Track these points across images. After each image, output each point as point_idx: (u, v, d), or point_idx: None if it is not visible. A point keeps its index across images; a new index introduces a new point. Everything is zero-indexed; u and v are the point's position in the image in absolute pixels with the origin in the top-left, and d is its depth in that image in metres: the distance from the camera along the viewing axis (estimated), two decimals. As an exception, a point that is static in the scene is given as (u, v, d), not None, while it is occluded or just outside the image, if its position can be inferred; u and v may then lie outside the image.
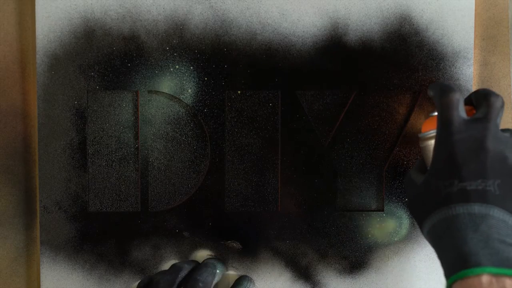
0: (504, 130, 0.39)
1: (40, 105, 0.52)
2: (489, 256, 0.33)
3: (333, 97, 0.53)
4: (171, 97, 0.53)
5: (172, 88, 0.52)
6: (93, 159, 0.53)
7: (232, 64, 0.52)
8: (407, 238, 0.53)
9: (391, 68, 0.52)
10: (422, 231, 0.40)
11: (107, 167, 0.53)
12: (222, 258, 0.53)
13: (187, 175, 0.53)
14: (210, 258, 0.53)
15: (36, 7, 0.52)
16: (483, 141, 0.37)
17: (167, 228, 0.53)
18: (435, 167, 0.38)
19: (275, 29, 0.52)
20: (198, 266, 0.49)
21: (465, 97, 0.43)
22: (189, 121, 0.53)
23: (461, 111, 0.39)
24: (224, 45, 0.52)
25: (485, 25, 0.53)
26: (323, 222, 0.53)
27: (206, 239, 0.53)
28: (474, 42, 0.53)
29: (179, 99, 0.52)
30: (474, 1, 0.52)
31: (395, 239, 0.53)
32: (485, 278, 0.32)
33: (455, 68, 0.52)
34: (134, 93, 0.53)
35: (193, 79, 0.52)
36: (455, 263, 0.34)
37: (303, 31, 0.52)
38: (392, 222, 0.53)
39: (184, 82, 0.52)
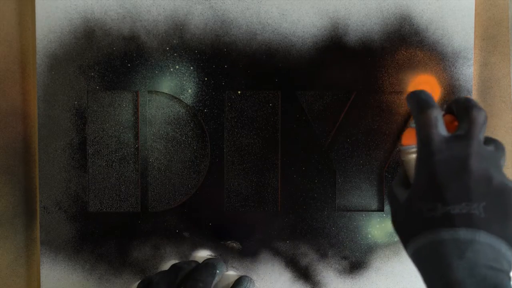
0: (487, 142, 0.38)
1: (40, 105, 0.52)
2: (476, 285, 0.32)
3: (333, 97, 0.53)
4: (171, 97, 0.53)
5: (172, 88, 0.52)
6: (93, 159, 0.53)
7: (232, 64, 0.52)
8: (407, 238, 0.53)
9: (391, 68, 0.52)
10: (405, 250, 0.38)
11: (107, 167, 0.53)
12: (222, 258, 0.53)
13: (187, 175, 0.53)
14: (210, 258, 0.53)
15: (36, 7, 0.51)
16: (466, 161, 0.35)
17: (167, 228, 0.53)
18: (418, 188, 0.37)
19: (275, 29, 0.52)
20: (198, 266, 0.49)
21: (446, 106, 0.41)
22: (189, 121, 0.53)
23: (441, 128, 0.36)
24: (224, 45, 0.52)
25: (485, 25, 0.53)
26: (323, 222, 0.53)
27: (206, 239, 0.53)
28: (474, 42, 0.53)
29: (179, 99, 0.52)
30: (474, 1, 0.52)
31: (395, 239, 0.53)
32: None
33: (455, 68, 0.52)
34: (134, 93, 0.53)
35: (193, 79, 0.52)
36: None
37: (303, 31, 0.52)
38: (392, 222, 0.53)
39: (184, 82, 0.52)
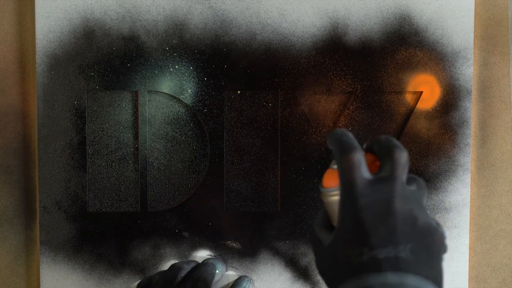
0: (409, 181, 0.37)
1: (40, 105, 0.52)
2: None
3: (333, 97, 0.53)
4: (171, 97, 0.53)
5: (172, 88, 0.52)
6: (92, 159, 0.53)
7: (232, 64, 0.52)
8: (407, 238, 0.53)
9: (391, 69, 0.52)
10: None
11: (106, 167, 0.53)
12: (222, 258, 0.53)
13: (187, 175, 0.53)
14: (209, 258, 0.53)
15: (36, 7, 0.52)
16: (390, 204, 0.34)
17: (167, 228, 0.53)
18: (343, 233, 0.36)
19: (275, 29, 0.52)
20: (197, 266, 0.49)
21: (367, 145, 0.41)
22: (189, 121, 0.53)
23: (364, 171, 0.36)
24: (223, 45, 0.52)
25: (484, 25, 0.53)
26: (322, 222, 0.53)
27: (206, 239, 0.53)
28: (474, 42, 0.53)
29: (179, 99, 0.52)
30: (473, 1, 0.52)
31: (395, 239, 0.53)
32: None
33: (455, 68, 0.52)
34: (134, 93, 0.53)
35: (192, 79, 0.52)
36: None
37: (303, 31, 0.52)
38: (392, 222, 0.53)
39: (184, 82, 0.52)
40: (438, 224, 0.36)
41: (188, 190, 0.53)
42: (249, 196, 0.53)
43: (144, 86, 0.52)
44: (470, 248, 0.54)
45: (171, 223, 0.53)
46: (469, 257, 0.54)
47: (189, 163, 0.53)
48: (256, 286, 0.53)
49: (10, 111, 0.53)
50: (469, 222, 0.53)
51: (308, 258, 0.53)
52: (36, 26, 0.52)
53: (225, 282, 0.53)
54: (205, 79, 0.52)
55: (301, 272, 0.53)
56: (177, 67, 0.52)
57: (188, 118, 0.53)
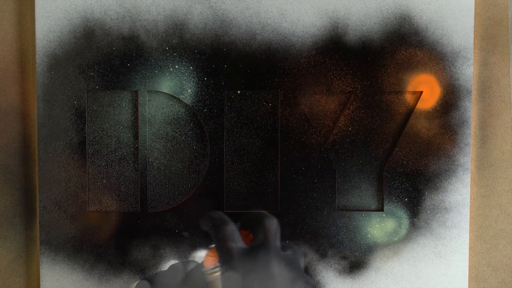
0: (284, 248, 0.38)
1: (40, 105, 0.52)
2: None
3: (333, 97, 0.53)
4: (171, 97, 0.53)
5: (172, 88, 0.52)
6: (92, 159, 0.53)
7: (232, 64, 0.52)
8: (407, 238, 0.53)
9: (391, 68, 0.52)
10: None
11: (106, 167, 0.53)
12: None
13: (187, 175, 0.53)
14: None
15: (36, 7, 0.52)
16: (268, 268, 0.35)
17: (167, 228, 0.53)
18: None
19: (275, 29, 0.52)
20: (197, 266, 0.49)
21: (239, 223, 0.41)
22: (189, 121, 0.53)
23: (239, 241, 0.37)
24: (223, 45, 0.52)
25: (484, 25, 0.53)
26: (322, 222, 0.53)
27: (206, 239, 0.53)
28: (474, 42, 0.53)
29: (179, 99, 0.52)
30: (473, 1, 0.52)
31: (395, 239, 0.53)
32: None
33: (455, 68, 0.52)
34: (134, 93, 0.53)
35: (192, 79, 0.52)
36: None
37: (303, 31, 0.52)
38: (392, 222, 0.53)
39: (184, 82, 0.52)
40: (316, 284, 0.38)
41: (188, 190, 0.53)
42: (249, 196, 0.53)
43: (144, 86, 0.52)
44: (470, 248, 0.54)
45: (171, 223, 0.53)
46: (469, 257, 0.54)
47: (189, 163, 0.53)
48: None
49: (9, 111, 0.53)
50: (469, 222, 0.53)
51: (308, 258, 0.53)
52: (36, 26, 0.52)
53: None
54: (205, 79, 0.52)
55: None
56: (177, 67, 0.52)
57: (188, 118, 0.53)
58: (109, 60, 0.52)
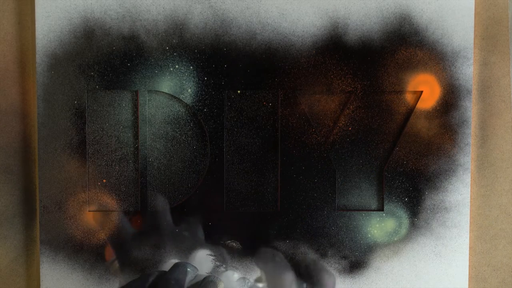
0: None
1: (40, 104, 0.52)
2: None
3: (333, 96, 0.53)
4: (171, 96, 0.53)
5: (172, 88, 0.52)
6: (92, 159, 0.53)
7: (232, 64, 0.52)
8: (407, 238, 0.53)
9: (391, 68, 0.52)
10: None
11: (106, 167, 0.53)
12: (222, 258, 0.53)
13: (187, 174, 0.53)
14: (179, 262, 0.52)
15: (36, 6, 0.52)
16: None
17: (167, 228, 0.53)
18: None
19: (275, 28, 0.52)
20: (168, 270, 0.49)
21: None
22: (189, 120, 0.53)
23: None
24: (223, 45, 0.52)
25: (485, 25, 0.53)
26: (322, 222, 0.53)
27: (206, 239, 0.53)
28: (474, 41, 0.53)
29: (179, 98, 0.52)
30: (473, 1, 0.52)
31: (395, 239, 0.53)
32: None
33: (455, 67, 0.52)
34: (134, 93, 0.53)
35: (192, 78, 0.52)
36: None
37: (303, 31, 0.52)
38: (392, 222, 0.53)
39: (184, 81, 0.52)
40: None
41: (188, 190, 0.53)
42: (249, 195, 0.53)
43: (144, 85, 0.52)
44: (470, 248, 0.54)
45: (171, 223, 0.53)
46: (469, 257, 0.54)
47: (189, 162, 0.53)
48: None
49: (9, 111, 0.53)
50: (469, 222, 0.53)
51: (308, 258, 0.53)
52: (36, 25, 0.52)
53: (228, 281, 0.53)
54: (205, 78, 0.52)
55: (301, 272, 0.53)
56: (177, 66, 0.52)
57: (188, 118, 0.53)
58: (109, 60, 0.52)
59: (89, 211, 0.53)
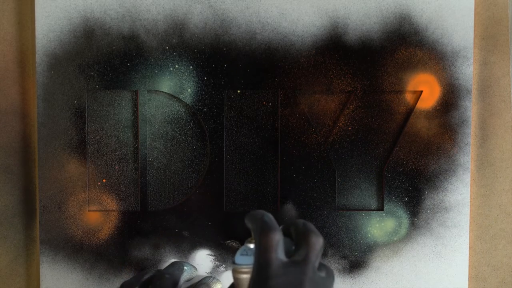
0: (320, 268, 0.38)
1: (40, 104, 0.52)
2: None
3: (333, 96, 0.53)
4: (171, 96, 0.53)
5: (172, 88, 0.52)
6: (92, 158, 0.53)
7: (232, 64, 0.52)
8: (407, 238, 0.53)
9: (390, 68, 0.52)
10: None
11: (106, 167, 0.53)
12: (222, 258, 0.53)
13: (187, 174, 0.53)
14: (176, 260, 0.52)
15: (36, 6, 0.52)
16: (300, 287, 0.35)
17: (167, 228, 0.53)
18: None
19: (275, 28, 0.52)
20: (165, 267, 0.49)
21: (283, 226, 0.41)
22: (189, 120, 0.53)
23: (280, 253, 0.37)
24: (223, 45, 0.52)
25: (484, 25, 0.53)
26: (322, 222, 0.53)
27: (205, 239, 0.53)
28: (474, 41, 0.53)
29: (179, 98, 0.52)
30: (473, 1, 0.52)
31: (395, 238, 0.53)
32: None
33: (455, 67, 0.52)
34: (134, 93, 0.53)
35: (192, 78, 0.52)
36: None
37: (303, 31, 0.52)
38: (392, 222, 0.53)
39: (184, 81, 0.52)
40: None
41: (188, 189, 0.53)
42: (249, 195, 0.53)
43: (144, 85, 0.52)
44: (470, 248, 0.54)
45: (171, 223, 0.53)
46: (469, 257, 0.54)
47: (189, 162, 0.53)
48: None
49: (9, 110, 0.53)
50: (469, 222, 0.53)
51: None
52: (36, 25, 0.52)
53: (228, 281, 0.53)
54: (205, 78, 0.52)
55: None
56: (177, 66, 0.52)
57: (188, 118, 0.53)
58: (109, 59, 0.52)
59: (89, 211, 0.53)
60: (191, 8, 0.52)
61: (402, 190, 0.53)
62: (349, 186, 0.53)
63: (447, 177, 0.53)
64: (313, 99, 0.53)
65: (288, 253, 0.38)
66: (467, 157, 0.53)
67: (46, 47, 0.52)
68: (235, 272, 0.39)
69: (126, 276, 0.53)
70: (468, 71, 0.52)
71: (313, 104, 0.53)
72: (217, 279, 0.52)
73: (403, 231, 0.53)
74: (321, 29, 0.52)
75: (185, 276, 0.49)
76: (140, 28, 0.52)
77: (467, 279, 0.53)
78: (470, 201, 0.54)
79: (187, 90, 0.52)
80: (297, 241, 0.38)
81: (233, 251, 0.53)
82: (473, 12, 0.52)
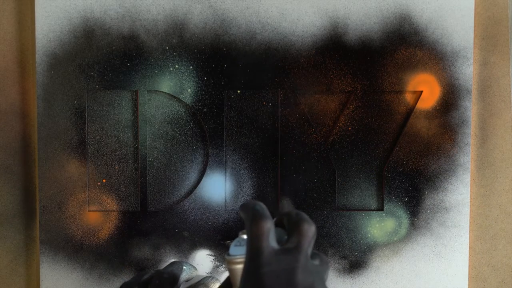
0: (313, 256, 0.38)
1: (40, 104, 0.52)
2: None
3: (333, 96, 0.53)
4: (171, 96, 0.53)
5: (172, 88, 0.52)
6: (92, 159, 0.53)
7: (232, 64, 0.52)
8: (407, 238, 0.53)
9: (390, 68, 0.52)
10: None
11: (106, 167, 0.53)
12: (222, 258, 0.53)
13: (187, 174, 0.53)
14: (176, 260, 0.52)
15: (36, 6, 0.52)
16: (293, 274, 0.35)
17: (167, 228, 0.53)
18: None
19: (275, 28, 0.52)
20: (165, 266, 0.49)
21: (277, 217, 0.41)
22: (189, 120, 0.53)
23: (272, 241, 0.37)
24: (223, 45, 0.52)
25: (484, 25, 0.53)
26: (322, 222, 0.53)
27: (206, 239, 0.53)
28: (474, 41, 0.53)
29: (179, 98, 0.52)
30: (473, 1, 0.52)
31: (395, 238, 0.53)
32: None
33: (455, 67, 0.52)
34: (134, 93, 0.53)
35: (192, 78, 0.52)
36: None
37: (303, 31, 0.52)
38: (392, 222, 0.53)
39: (184, 81, 0.52)
40: None
41: (188, 190, 0.53)
42: (249, 195, 0.53)
43: (144, 85, 0.52)
44: (470, 248, 0.54)
45: (171, 223, 0.53)
46: (469, 257, 0.54)
47: (189, 162, 0.53)
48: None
49: (9, 110, 0.53)
50: (469, 222, 0.53)
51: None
52: (36, 25, 0.52)
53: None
54: (205, 78, 0.52)
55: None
56: (177, 66, 0.52)
57: (188, 118, 0.53)
58: (109, 59, 0.52)
59: (89, 211, 0.53)
60: (191, 8, 0.52)
61: (402, 190, 0.53)
62: (349, 186, 0.53)
63: (447, 177, 0.53)
64: (313, 99, 0.53)
65: (280, 243, 0.38)
66: (467, 157, 0.53)
67: (46, 47, 0.52)
68: (229, 263, 0.39)
69: (126, 276, 0.53)
70: (468, 71, 0.52)
71: (313, 104, 0.53)
72: (217, 279, 0.52)
73: (403, 231, 0.53)
74: (321, 29, 0.52)
75: (184, 276, 0.49)
76: (140, 28, 0.52)
77: (467, 279, 0.53)
78: (470, 201, 0.54)
79: (187, 90, 0.52)
80: (289, 230, 0.38)
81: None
82: (473, 12, 0.52)
